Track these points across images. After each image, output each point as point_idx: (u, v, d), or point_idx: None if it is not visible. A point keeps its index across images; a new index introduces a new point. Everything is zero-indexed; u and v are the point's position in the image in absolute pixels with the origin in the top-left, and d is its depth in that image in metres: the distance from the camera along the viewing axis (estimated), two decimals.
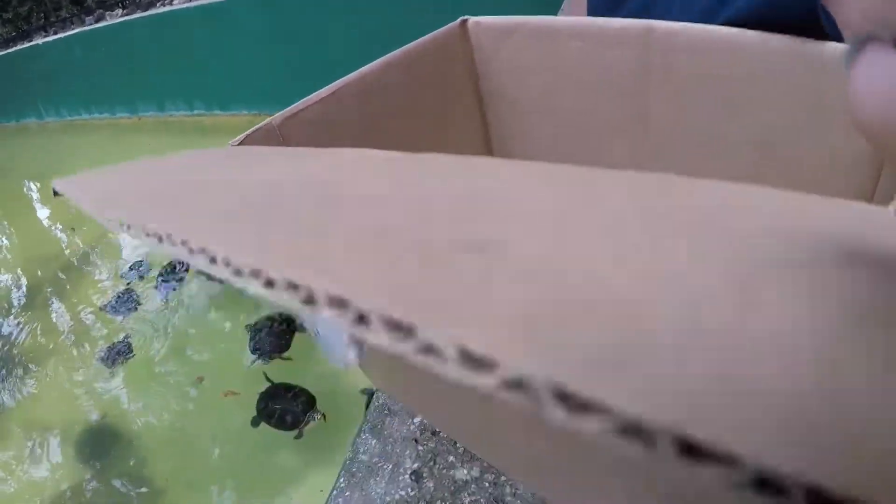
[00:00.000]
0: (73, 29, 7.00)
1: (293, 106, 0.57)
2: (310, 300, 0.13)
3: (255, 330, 3.19)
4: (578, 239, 0.15)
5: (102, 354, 3.38)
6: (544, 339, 0.10)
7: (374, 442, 0.75)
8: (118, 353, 3.33)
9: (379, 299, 0.12)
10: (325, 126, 0.59)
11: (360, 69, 0.61)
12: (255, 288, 0.15)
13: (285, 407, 2.69)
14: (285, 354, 3.03)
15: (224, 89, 5.77)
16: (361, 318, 0.12)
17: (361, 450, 0.75)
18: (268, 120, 0.55)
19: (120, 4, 6.84)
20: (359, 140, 0.60)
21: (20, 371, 3.59)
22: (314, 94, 0.59)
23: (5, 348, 3.87)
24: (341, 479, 0.73)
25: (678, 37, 0.48)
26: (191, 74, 5.90)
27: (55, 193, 0.34)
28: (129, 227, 0.23)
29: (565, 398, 0.09)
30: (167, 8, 5.84)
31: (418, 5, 4.68)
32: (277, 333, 3.12)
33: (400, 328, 0.11)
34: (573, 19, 0.57)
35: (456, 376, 0.10)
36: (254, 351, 3.07)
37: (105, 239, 4.87)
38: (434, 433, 0.75)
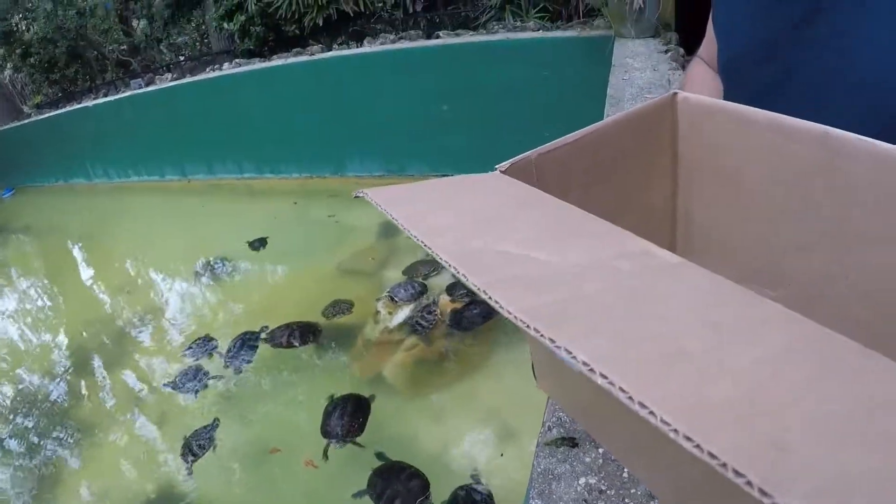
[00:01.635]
0: (123, 92, 7.18)
1: (548, 145, 0.68)
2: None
3: (325, 413, 3.16)
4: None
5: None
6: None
7: None
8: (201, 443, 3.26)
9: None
10: (567, 166, 0.70)
11: (595, 125, 0.72)
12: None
13: (397, 488, 2.61)
14: (359, 439, 2.99)
15: (274, 152, 5.89)
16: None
17: None
18: (528, 153, 0.66)
19: (167, 69, 7.02)
20: (588, 183, 0.73)
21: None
22: (563, 138, 0.70)
23: (64, 412, 3.89)
24: None
25: (848, 146, 0.55)
26: (240, 137, 6.04)
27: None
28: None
29: None
30: (216, 73, 5.99)
31: (454, 74, 4.77)
32: (351, 414, 3.09)
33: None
34: (765, 113, 0.64)
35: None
36: (325, 435, 3.03)
37: (155, 304, 4.89)
38: (601, 492, 0.77)
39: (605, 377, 0.30)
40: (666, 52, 4.00)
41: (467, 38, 4.96)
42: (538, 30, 4.88)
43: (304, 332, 3.79)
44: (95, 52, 8.89)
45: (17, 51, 10.07)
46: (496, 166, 0.63)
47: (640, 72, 3.64)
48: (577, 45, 4.54)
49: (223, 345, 3.94)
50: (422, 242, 0.45)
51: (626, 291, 0.38)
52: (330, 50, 5.51)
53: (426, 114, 5.02)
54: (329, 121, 5.45)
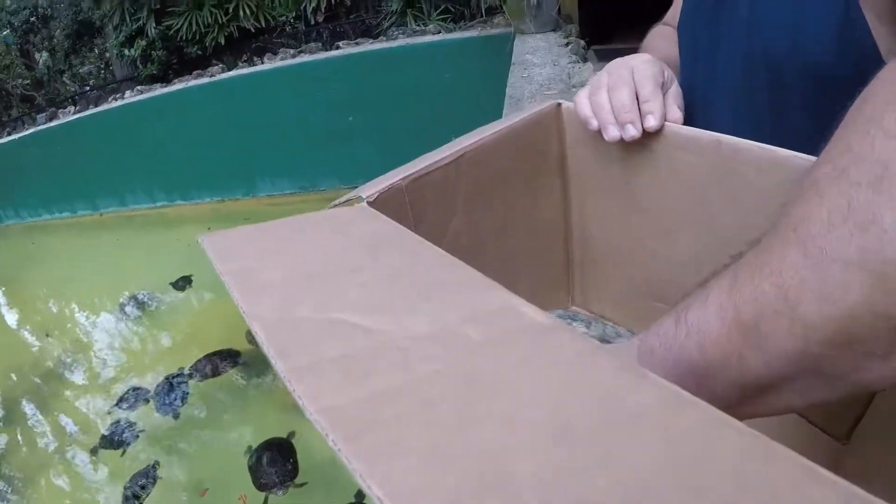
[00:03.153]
0: (26, 129, 6.92)
1: (419, 168, 0.62)
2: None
3: (253, 460, 3.06)
4: None
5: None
6: None
7: None
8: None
9: None
10: (443, 189, 0.65)
11: (474, 140, 0.67)
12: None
13: None
14: (298, 480, 2.90)
15: (184, 178, 5.76)
16: None
17: None
18: (397, 180, 0.60)
19: (71, 101, 6.79)
20: (469, 205, 0.68)
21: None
22: (436, 158, 0.64)
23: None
24: None
25: (742, 153, 0.55)
26: (149, 166, 5.90)
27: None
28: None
29: None
30: (118, 103, 5.82)
31: (358, 83, 4.74)
32: (280, 461, 2.99)
33: None
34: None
35: None
36: (261, 488, 2.91)
37: (83, 344, 4.79)
38: None
39: None
40: (566, 45, 4.00)
41: (368, 46, 4.93)
42: (438, 32, 4.87)
43: (226, 358, 3.79)
44: None
45: None
46: (362, 195, 0.56)
47: (539, 68, 3.62)
48: (478, 44, 4.54)
49: (151, 385, 3.89)
50: (240, 307, 0.37)
51: (466, 374, 0.30)
52: (232, 69, 5.41)
53: (333, 126, 4.97)
54: (236, 141, 5.35)
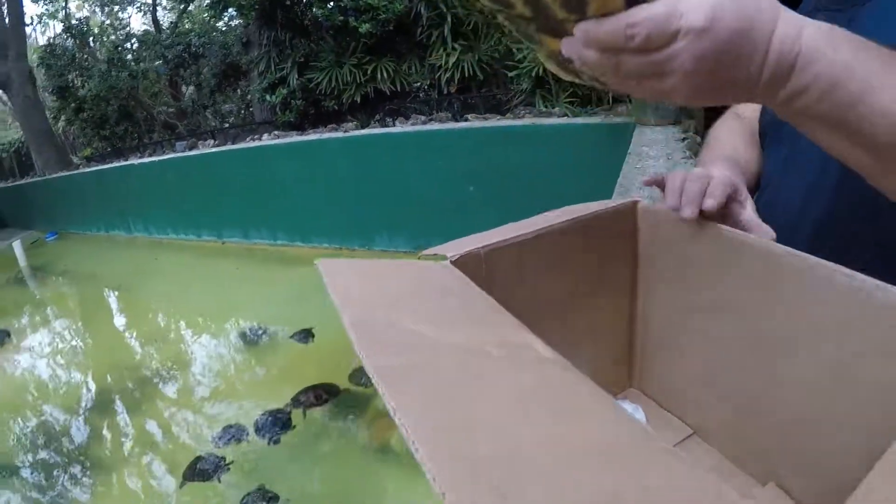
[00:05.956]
0: (165, 154, 7.53)
1: (498, 239, 0.70)
2: None
3: None
4: None
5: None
6: None
7: None
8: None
9: None
10: (516, 261, 0.72)
11: (550, 223, 0.74)
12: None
13: None
14: None
15: (306, 222, 6.09)
16: None
17: None
18: (477, 246, 0.68)
19: (211, 135, 7.36)
20: (539, 280, 0.75)
21: None
22: (516, 232, 0.72)
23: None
24: None
25: (790, 266, 0.59)
26: (275, 206, 6.27)
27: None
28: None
29: None
30: (256, 143, 6.26)
31: (481, 155, 4.93)
32: None
33: None
34: (714, 226, 0.67)
35: None
36: None
37: (183, 359, 5.00)
38: None
39: (402, 422, 0.35)
40: (683, 139, 4.06)
41: (494, 122, 5.15)
42: (564, 115, 5.04)
43: (325, 392, 3.93)
44: (145, 113, 9.35)
45: (72, 105, 10.65)
46: (447, 254, 0.65)
47: (653, 160, 3.70)
48: (600, 131, 4.65)
49: (250, 420, 3.97)
50: (337, 305, 0.52)
51: (473, 372, 0.43)
52: (364, 127, 5.76)
53: (453, 193, 5.17)
54: (360, 195, 5.64)
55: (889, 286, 0.52)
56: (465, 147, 5.12)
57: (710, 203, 0.67)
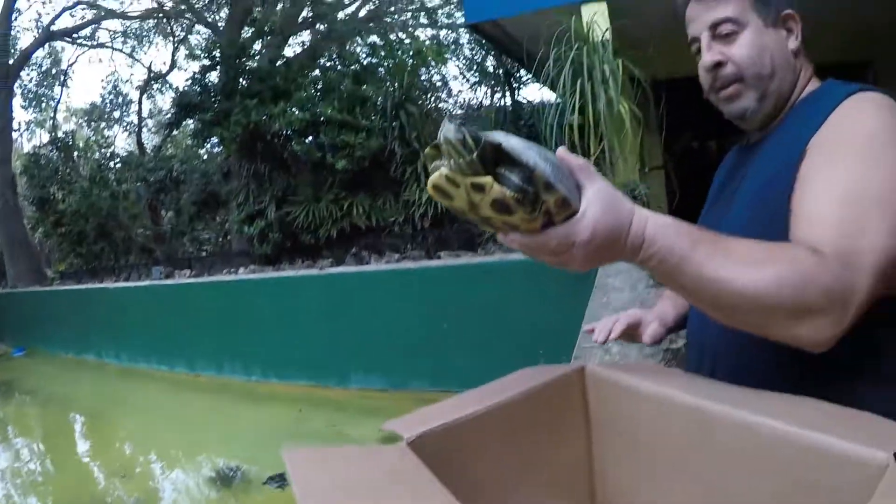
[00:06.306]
0: (142, 280, 7.54)
1: (454, 417, 0.73)
2: None
3: None
4: None
5: None
6: None
7: None
8: None
9: None
10: (474, 436, 0.76)
11: (505, 393, 0.78)
12: None
13: None
14: None
15: (281, 358, 6.06)
16: None
17: None
18: (435, 425, 0.71)
19: (188, 263, 7.42)
20: (497, 448, 0.78)
21: None
22: (471, 409, 0.75)
23: None
24: None
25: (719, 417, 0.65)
26: (250, 340, 6.25)
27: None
28: None
29: None
30: (232, 277, 6.32)
31: (454, 292, 5.01)
32: None
33: None
34: (655, 388, 0.74)
35: None
36: None
37: (150, 495, 4.82)
38: None
39: None
40: None
41: (466, 259, 5.28)
42: None
43: None
44: (123, 234, 9.41)
45: (51, 218, 10.71)
46: (405, 434, 0.70)
47: (618, 292, 3.74)
48: None
49: None
50: (297, 499, 0.56)
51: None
52: (340, 262, 5.85)
53: (427, 331, 5.21)
54: (335, 333, 5.65)
55: (820, 433, 0.58)
56: (438, 285, 5.20)
57: (610, 336, 1.02)
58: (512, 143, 0.63)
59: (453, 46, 10.28)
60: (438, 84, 8.67)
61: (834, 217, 0.71)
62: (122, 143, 13.35)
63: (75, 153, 12.00)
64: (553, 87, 4.62)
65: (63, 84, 13.62)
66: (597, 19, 4.40)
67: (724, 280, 0.66)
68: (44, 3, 19.58)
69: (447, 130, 0.63)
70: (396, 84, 6.81)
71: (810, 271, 0.66)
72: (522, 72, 6.79)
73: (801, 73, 0.91)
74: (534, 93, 9.32)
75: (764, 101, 0.88)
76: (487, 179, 0.62)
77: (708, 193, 1.07)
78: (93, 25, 12.72)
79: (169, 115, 8.41)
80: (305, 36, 10.17)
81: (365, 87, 6.83)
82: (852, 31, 5.12)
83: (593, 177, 0.66)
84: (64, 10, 11.89)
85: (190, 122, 8.20)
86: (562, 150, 0.66)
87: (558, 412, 0.85)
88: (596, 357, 2.50)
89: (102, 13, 12.13)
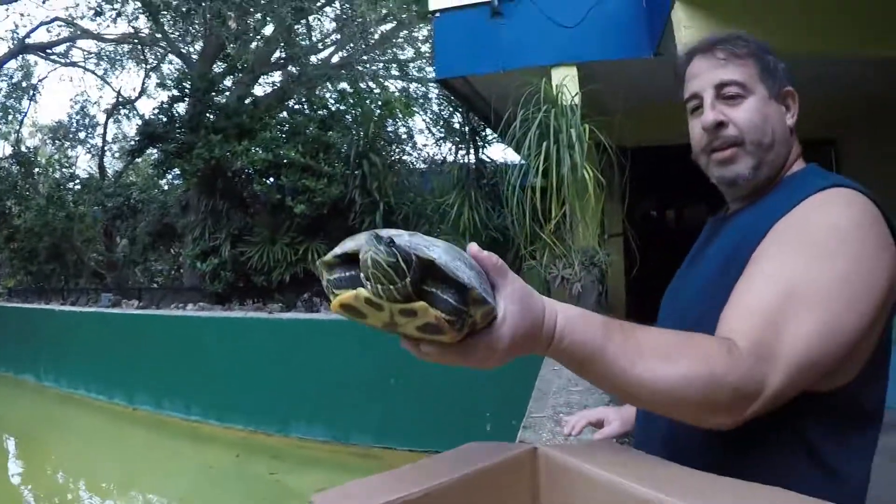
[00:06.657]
0: (89, 306, 7.43)
1: (390, 498, 0.64)
2: None
3: None
4: None
5: None
6: None
7: None
8: None
9: None
10: None
11: (451, 473, 0.71)
12: None
13: None
14: None
15: (222, 400, 5.99)
16: None
17: None
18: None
19: (137, 294, 7.34)
20: None
21: None
22: (406, 491, 0.66)
23: None
24: None
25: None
26: (192, 379, 6.17)
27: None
28: None
29: None
30: (179, 312, 6.27)
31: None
32: None
33: None
34: (608, 476, 0.71)
35: None
36: None
37: None
38: None
39: None
40: None
41: None
42: None
43: None
44: (76, 257, 9.26)
45: (4, 232, 10.48)
46: None
47: None
48: None
49: None
50: None
51: None
52: (290, 307, 5.86)
53: (374, 385, 5.23)
54: (280, 378, 5.63)
55: None
56: (388, 339, 5.17)
57: (573, 431, 1.15)
58: (443, 258, 0.58)
59: (422, 100, 10.51)
60: (404, 136, 8.85)
61: (763, 307, 0.72)
62: (84, 164, 13.17)
63: (36, 169, 11.80)
64: (518, 148, 4.72)
65: (32, 98, 13.41)
66: (566, 83, 4.47)
67: (635, 375, 0.68)
68: (22, 15, 19.64)
69: (375, 252, 0.55)
70: (362, 133, 6.94)
71: (720, 370, 0.67)
72: (488, 130, 6.95)
73: (793, 150, 0.91)
74: (498, 152, 9.50)
75: (759, 171, 0.87)
76: (421, 305, 0.57)
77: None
78: (68, 43, 12.62)
79: (133, 143, 8.39)
80: (276, 77, 10.27)
81: (330, 133, 6.92)
82: (817, 111, 5.33)
83: (507, 275, 0.65)
84: (41, 24, 11.80)
85: (153, 151, 8.19)
86: (474, 248, 0.65)
87: (506, 497, 0.79)
88: (545, 427, 2.51)
89: (79, 32, 12.06)
